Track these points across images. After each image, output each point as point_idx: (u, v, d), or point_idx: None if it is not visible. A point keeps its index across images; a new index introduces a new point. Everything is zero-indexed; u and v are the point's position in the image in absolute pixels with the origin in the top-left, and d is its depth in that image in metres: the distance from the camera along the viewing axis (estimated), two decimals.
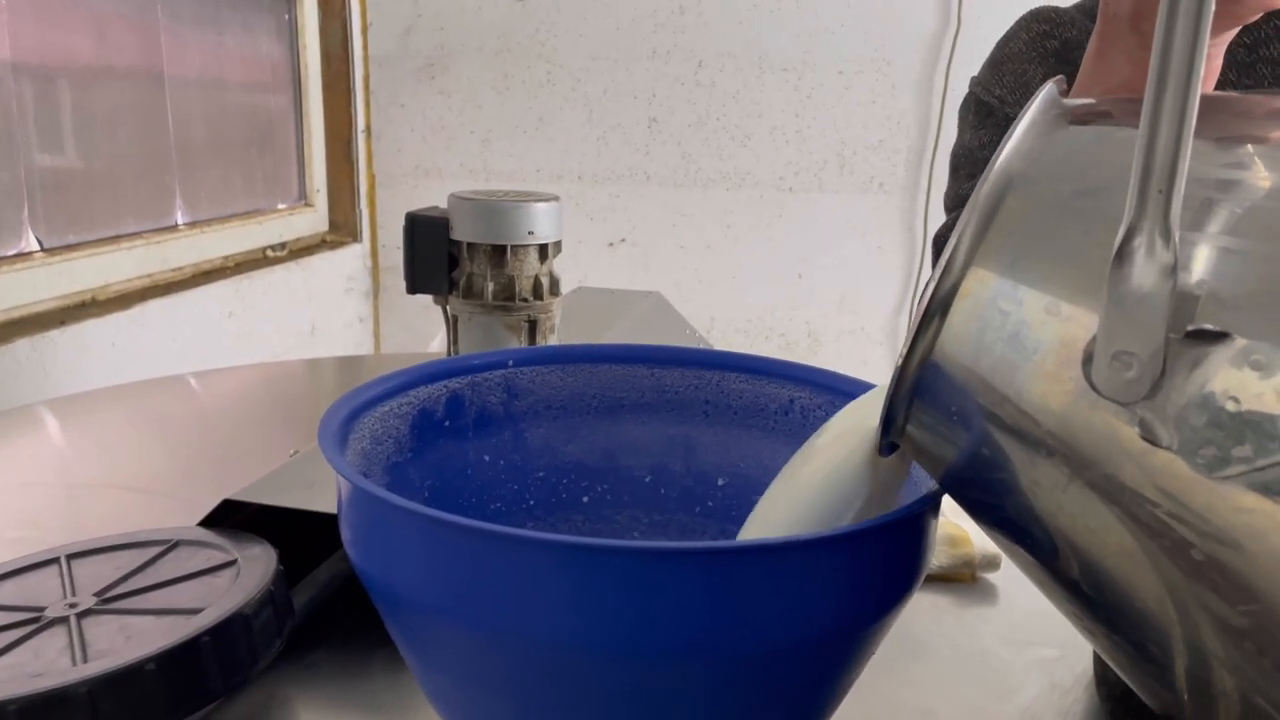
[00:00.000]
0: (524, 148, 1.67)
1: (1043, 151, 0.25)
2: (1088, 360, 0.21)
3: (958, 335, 0.24)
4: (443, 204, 0.66)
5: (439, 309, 0.68)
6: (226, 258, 1.36)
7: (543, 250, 0.64)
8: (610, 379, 0.45)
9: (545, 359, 0.44)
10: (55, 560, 0.44)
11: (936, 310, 0.24)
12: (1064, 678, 0.45)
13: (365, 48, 1.65)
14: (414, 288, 0.67)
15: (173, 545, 0.45)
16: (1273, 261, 0.20)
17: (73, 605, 0.40)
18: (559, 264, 0.67)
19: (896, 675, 0.45)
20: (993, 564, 0.53)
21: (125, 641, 0.37)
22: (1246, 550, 0.19)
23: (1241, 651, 0.20)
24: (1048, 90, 0.26)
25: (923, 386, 0.26)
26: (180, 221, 1.29)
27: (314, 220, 1.61)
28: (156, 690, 0.35)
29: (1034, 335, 0.22)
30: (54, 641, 0.37)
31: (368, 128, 1.67)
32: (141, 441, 0.77)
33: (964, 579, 0.53)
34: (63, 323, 1.03)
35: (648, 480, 0.45)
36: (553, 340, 0.67)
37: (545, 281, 0.65)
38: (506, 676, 0.30)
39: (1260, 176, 0.22)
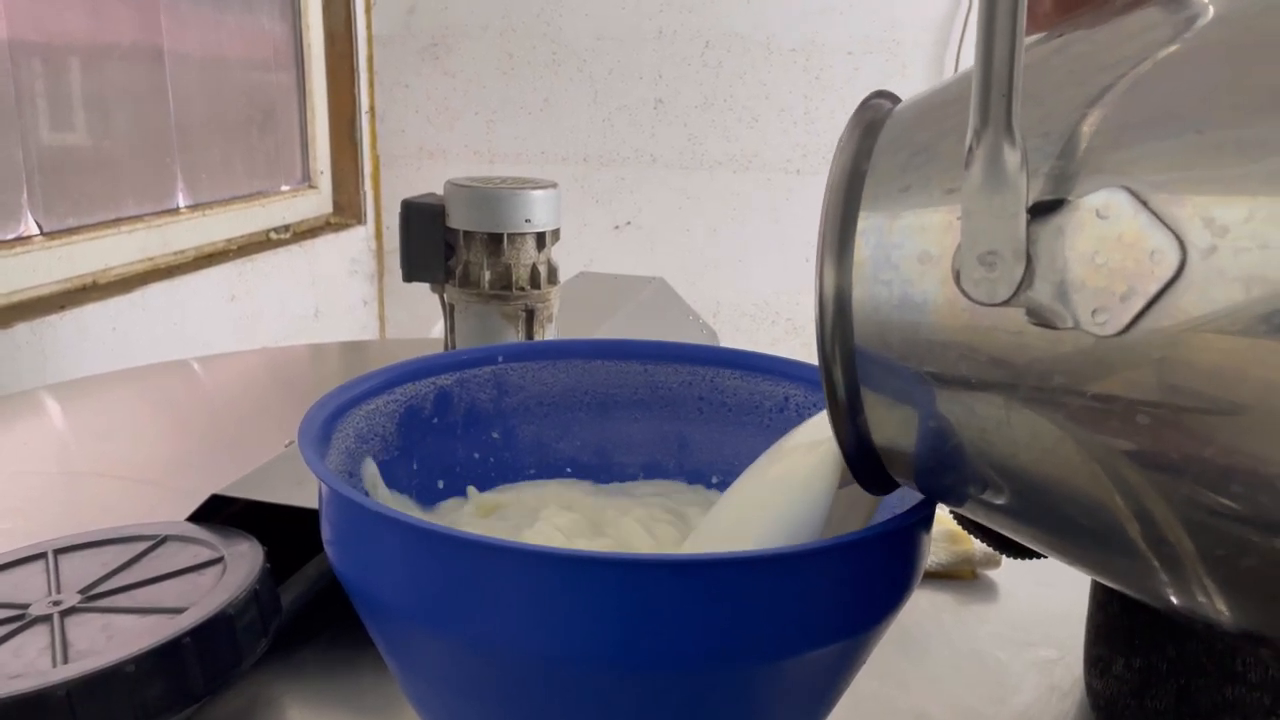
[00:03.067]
0: (529, 129, 1.66)
1: (872, 142, 0.26)
2: (958, 277, 0.22)
3: (864, 334, 0.25)
4: (443, 187, 0.65)
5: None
6: (229, 240, 1.35)
7: (540, 238, 0.64)
8: (602, 375, 0.44)
9: (536, 355, 0.43)
10: (43, 555, 0.44)
11: (834, 320, 0.25)
12: (1063, 680, 0.44)
13: (369, 27, 1.64)
14: (410, 276, 0.66)
15: (160, 541, 0.44)
16: (1083, 121, 0.21)
17: (57, 603, 0.39)
18: (563, 247, 0.66)
19: (891, 677, 0.44)
20: (993, 561, 0.52)
21: (107, 641, 0.36)
22: (1181, 391, 0.19)
23: (1228, 501, 0.20)
24: (862, 101, 0.28)
25: (858, 398, 0.26)
26: (182, 204, 1.28)
27: (318, 202, 1.60)
28: (136, 692, 0.34)
29: (918, 288, 0.23)
30: (36, 640, 0.37)
31: (371, 108, 1.66)
32: (140, 428, 0.77)
33: (964, 576, 0.53)
34: (63, 307, 1.03)
35: (640, 478, 0.45)
36: (551, 329, 0.66)
37: (543, 270, 0.64)
38: (484, 684, 0.29)
39: (1075, 53, 0.23)
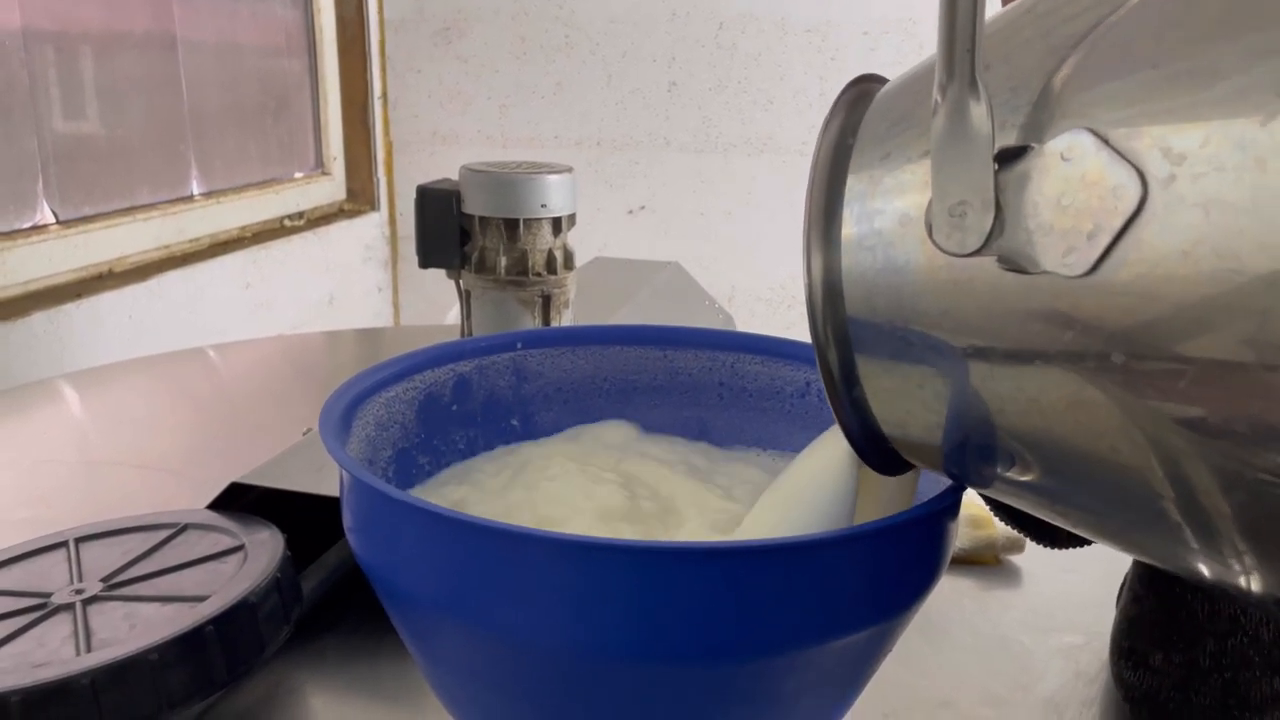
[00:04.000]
0: (542, 113, 1.65)
1: (858, 118, 0.26)
2: (930, 229, 0.22)
3: (854, 303, 0.25)
4: (458, 174, 0.65)
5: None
6: (243, 228, 1.35)
7: (556, 224, 0.63)
8: (621, 361, 0.43)
9: (554, 341, 0.43)
10: (64, 544, 0.44)
11: (824, 293, 0.26)
12: (1089, 666, 0.44)
13: (380, 11, 1.63)
14: (425, 262, 0.65)
15: (181, 529, 0.44)
16: (1048, 74, 0.22)
17: (79, 591, 0.39)
18: (576, 232, 0.66)
19: (915, 663, 0.44)
20: (1016, 546, 0.52)
21: (129, 630, 0.36)
22: (1153, 326, 0.19)
23: (1221, 439, 0.20)
24: (850, 81, 0.28)
25: (853, 369, 0.26)
26: (196, 191, 1.28)
27: (331, 189, 1.60)
28: (159, 681, 0.34)
29: (900, 250, 0.24)
30: (59, 629, 0.37)
31: (384, 94, 1.66)
32: (158, 416, 0.77)
33: (987, 561, 0.52)
34: (79, 295, 1.03)
35: None
36: (567, 315, 0.66)
37: (559, 255, 0.64)
38: (507, 673, 0.29)
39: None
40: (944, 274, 0.23)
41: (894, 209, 0.24)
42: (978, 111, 0.21)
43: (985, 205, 0.21)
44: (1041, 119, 0.21)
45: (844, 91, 0.28)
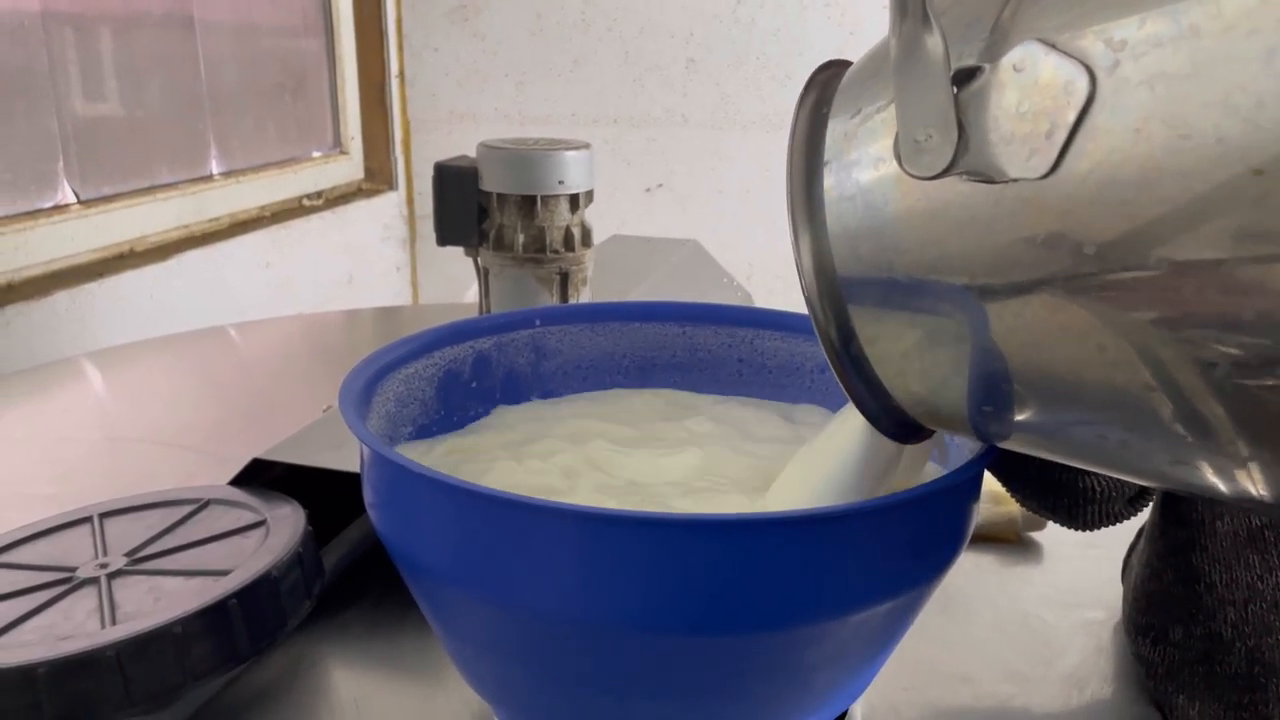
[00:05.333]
0: (559, 91, 1.64)
1: (830, 91, 0.27)
2: (898, 157, 0.23)
3: (840, 256, 0.26)
4: (475, 151, 0.64)
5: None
6: (263, 207, 1.36)
7: (574, 200, 0.63)
8: (641, 337, 0.43)
9: (573, 317, 0.43)
10: (88, 519, 0.44)
11: (812, 257, 0.26)
12: (1111, 642, 0.44)
13: None
14: (444, 240, 0.65)
15: (203, 504, 0.45)
16: (989, 5, 0.23)
17: (103, 565, 0.40)
18: (594, 210, 0.66)
19: (934, 638, 0.43)
20: (1038, 523, 0.52)
21: (154, 603, 0.37)
22: (1114, 211, 0.20)
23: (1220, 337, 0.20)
24: (821, 66, 0.29)
25: (848, 323, 0.27)
26: (215, 171, 1.29)
27: (349, 168, 1.60)
28: (183, 653, 0.35)
29: (877, 193, 0.25)
30: (84, 603, 0.37)
31: (401, 72, 1.65)
32: (180, 394, 0.77)
33: (1008, 538, 0.52)
34: (101, 275, 1.04)
35: None
36: (585, 293, 0.66)
37: (577, 232, 0.64)
38: (525, 645, 0.29)
39: None
40: (920, 205, 0.24)
41: (869, 155, 0.25)
42: (932, 41, 0.22)
43: (948, 127, 0.22)
44: (996, 43, 0.22)
45: (818, 71, 0.29)
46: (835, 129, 0.26)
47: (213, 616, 0.35)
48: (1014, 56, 0.21)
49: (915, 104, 0.23)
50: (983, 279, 0.23)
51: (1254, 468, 0.21)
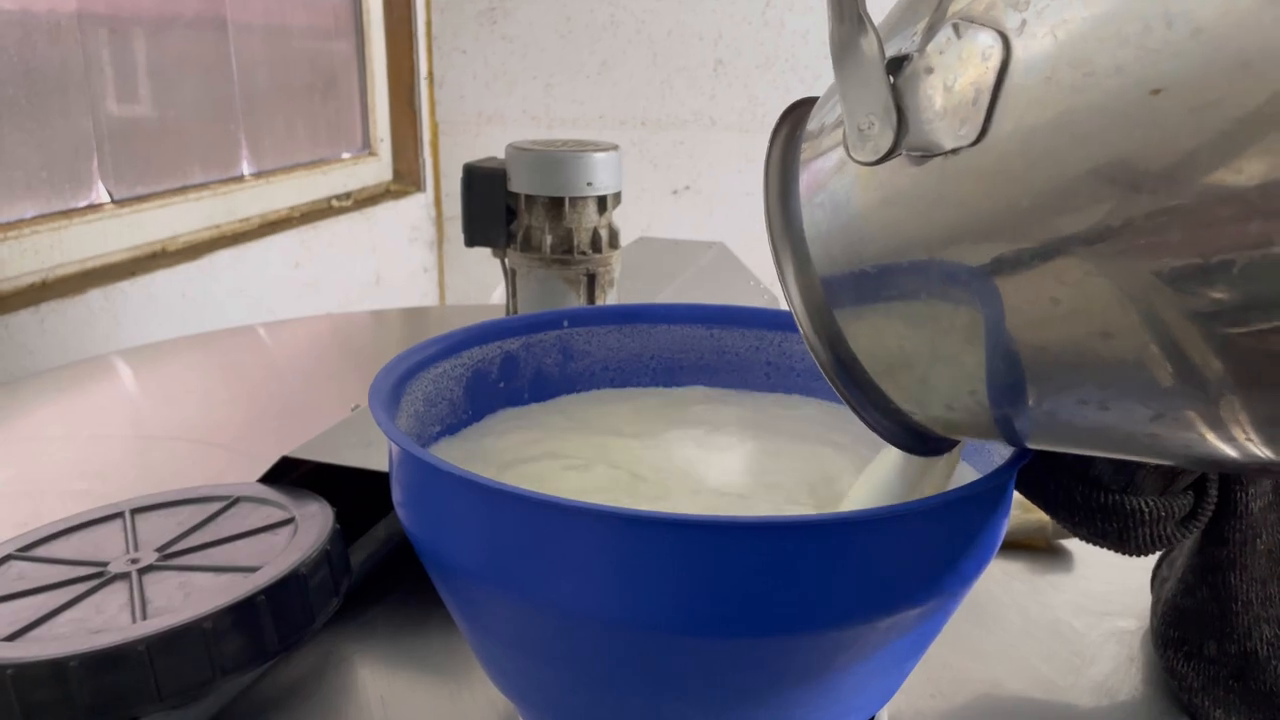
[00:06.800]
0: (587, 93, 1.64)
1: (803, 121, 0.29)
2: (847, 148, 0.25)
3: (819, 260, 0.27)
4: (504, 152, 0.65)
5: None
6: (292, 208, 1.37)
7: (601, 202, 0.63)
8: (668, 340, 0.43)
9: (601, 319, 0.43)
10: (120, 515, 0.45)
11: (794, 264, 0.27)
12: (1142, 651, 0.43)
13: None
14: (472, 240, 0.66)
15: (233, 501, 0.45)
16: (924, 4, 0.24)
17: (135, 561, 0.40)
18: (621, 212, 0.66)
19: (963, 646, 0.43)
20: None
21: (184, 599, 0.37)
22: (1042, 162, 0.21)
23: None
24: (793, 104, 0.30)
25: (835, 324, 0.27)
26: (246, 172, 1.30)
27: (378, 169, 1.61)
28: (213, 648, 0.35)
29: (840, 191, 0.26)
30: (116, 597, 0.38)
31: (430, 74, 1.66)
32: (210, 393, 0.78)
33: (1038, 545, 0.51)
34: (133, 274, 1.05)
35: None
36: (612, 294, 0.66)
37: (604, 234, 0.64)
38: (553, 645, 0.29)
39: None
40: (875, 194, 0.25)
41: (831, 162, 0.26)
42: (867, 40, 0.24)
43: (887, 113, 0.24)
44: (928, 32, 0.24)
45: (791, 108, 0.30)
46: (806, 143, 0.28)
47: (241, 612, 0.36)
48: (938, 40, 0.23)
49: (856, 96, 0.24)
50: (940, 256, 0.24)
51: (1224, 410, 0.21)
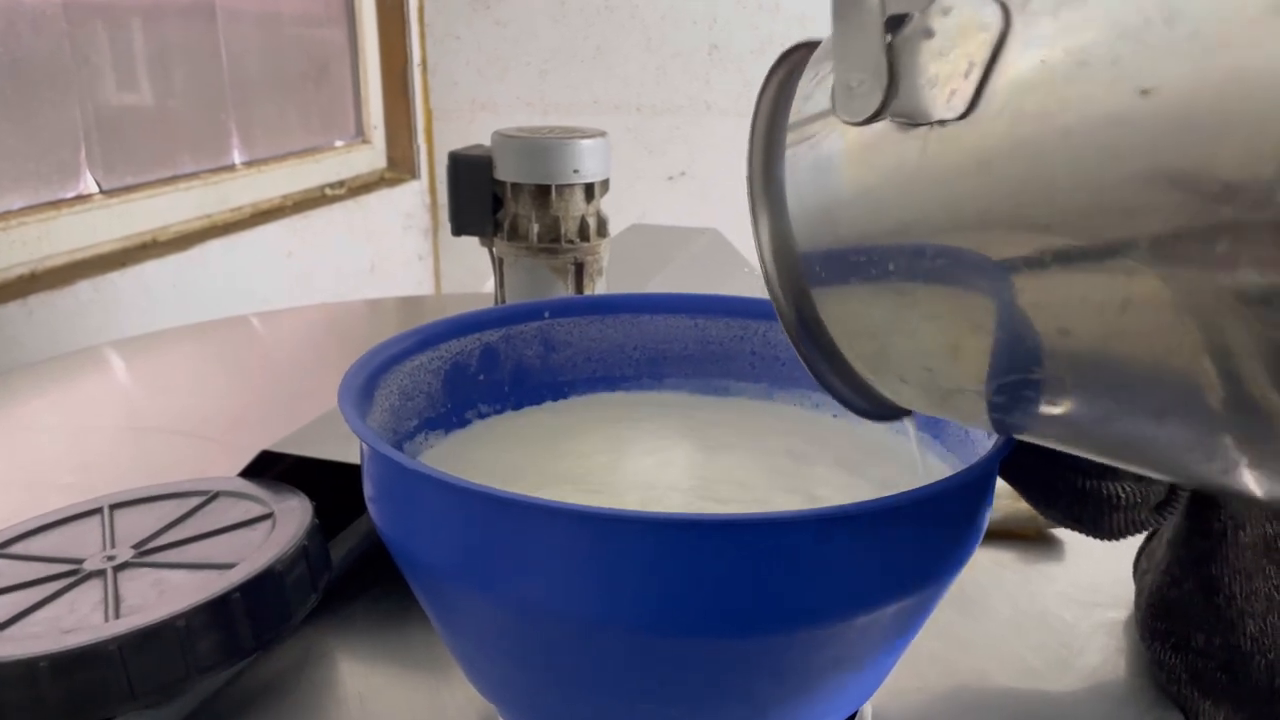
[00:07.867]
0: (581, 78, 1.63)
1: (798, 70, 0.28)
2: (834, 105, 0.24)
3: (798, 224, 0.26)
4: (490, 138, 0.64)
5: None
6: (285, 197, 1.36)
7: (589, 189, 0.62)
8: (651, 329, 0.43)
9: (583, 309, 0.42)
10: (99, 510, 0.44)
11: (770, 229, 0.27)
12: (1132, 642, 0.43)
13: None
14: (459, 229, 0.65)
15: (213, 496, 0.44)
16: None
17: (110, 558, 0.40)
18: (615, 199, 0.65)
19: (951, 636, 0.43)
20: None
21: (158, 597, 0.37)
22: (1029, 143, 0.20)
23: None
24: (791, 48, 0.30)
25: (806, 294, 0.27)
26: (237, 160, 1.29)
27: (371, 157, 1.60)
28: (186, 647, 0.34)
29: (823, 151, 0.25)
30: (89, 595, 0.37)
31: (423, 61, 1.65)
32: (201, 384, 0.78)
33: (1028, 534, 0.51)
34: (124, 264, 1.04)
35: None
36: (601, 283, 0.65)
37: (592, 222, 0.63)
38: (524, 644, 0.29)
39: None
40: (857, 158, 0.24)
41: (820, 118, 0.25)
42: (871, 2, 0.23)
43: (879, 72, 0.23)
44: None
45: (789, 52, 0.29)
46: (797, 95, 0.27)
47: (215, 610, 0.35)
48: (943, 2, 0.22)
49: (850, 51, 0.23)
50: (912, 232, 0.23)
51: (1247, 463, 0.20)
